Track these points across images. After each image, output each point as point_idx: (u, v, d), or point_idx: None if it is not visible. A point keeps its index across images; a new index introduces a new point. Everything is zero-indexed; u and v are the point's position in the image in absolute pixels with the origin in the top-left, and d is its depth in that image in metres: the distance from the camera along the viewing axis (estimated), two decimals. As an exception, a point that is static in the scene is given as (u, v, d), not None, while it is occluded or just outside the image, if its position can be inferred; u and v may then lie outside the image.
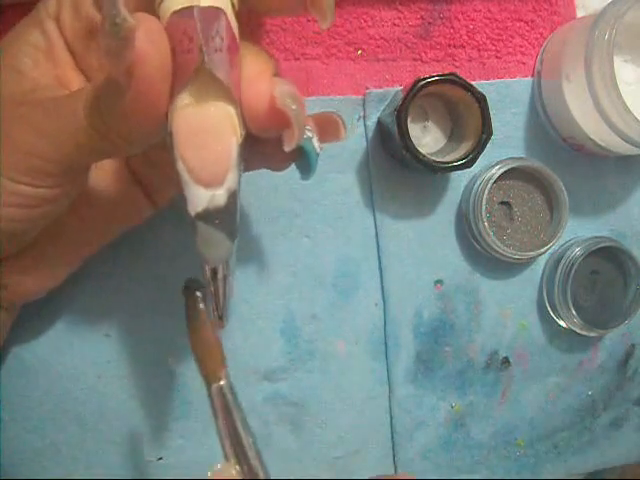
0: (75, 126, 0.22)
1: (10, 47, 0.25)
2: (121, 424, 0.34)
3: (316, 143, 0.25)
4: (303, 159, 0.26)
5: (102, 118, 0.21)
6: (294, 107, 0.21)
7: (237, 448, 0.24)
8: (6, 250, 0.26)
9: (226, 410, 0.24)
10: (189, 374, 0.35)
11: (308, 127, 0.24)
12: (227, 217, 0.21)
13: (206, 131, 0.20)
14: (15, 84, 0.24)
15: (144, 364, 0.34)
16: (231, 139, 0.20)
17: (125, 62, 0.19)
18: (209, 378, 0.24)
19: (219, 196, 0.20)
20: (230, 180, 0.20)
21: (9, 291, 0.28)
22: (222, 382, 0.24)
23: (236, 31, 0.21)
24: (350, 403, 0.36)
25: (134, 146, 0.23)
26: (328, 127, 0.26)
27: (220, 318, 0.24)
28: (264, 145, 0.24)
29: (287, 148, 0.22)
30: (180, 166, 0.20)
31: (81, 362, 0.34)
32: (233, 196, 0.21)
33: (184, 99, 0.20)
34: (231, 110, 0.20)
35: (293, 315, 0.36)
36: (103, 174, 0.28)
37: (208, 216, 0.20)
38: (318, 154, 0.25)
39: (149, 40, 0.19)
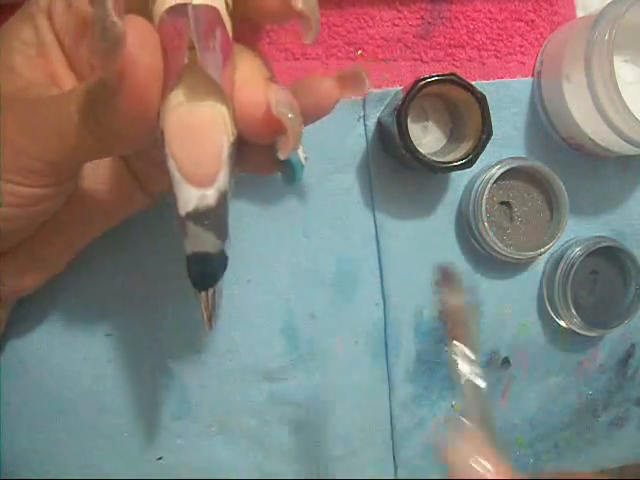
0: (68, 127, 0.21)
1: (2, 44, 0.25)
2: (121, 424, 0.34)
3: (302, 154, 0.24)
4: (288, 170, 0.25)
5: (97, 120, 0.21)
6: (290, 115, 0.21)
7: None
8: (2, 247, 0.26)
9: None
10: (189, 374, 0.35)
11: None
12: (217, 218, 0.20)
13: (197, 130, 0.20)
14: (8, 82, 0.24)
15: (144, 364, 0.34)
16: (222, 138, 0.20)
17: (116, 65, 0.19)
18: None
19: (210, 196, 0.20)
20: (221, 180, 0.20)
21: (6, 288, 0.28)
22: None
23: (230, 31, 0.21)
24: (350, 403, 0.36)
25: (130, 147, 0.23)
26: (354, 81, 0.24)
27: (209, 320, 0.24)
28: (252, 154, 0.24)
29: (282, 156, 0.22)
30: (171, 164, 0.20)
31: (81, 362, 0.34)
32: (224, 196, 0.20)
33: (176, 97, 0.20)
34: (223, 109, 0.20)
35: (293, 315, 0.36)
36: (99, 169, 0.28)
37: (198, 216, 0.20)
38: (303, 165, 0.25)
39: (139, 43, 0.19)
